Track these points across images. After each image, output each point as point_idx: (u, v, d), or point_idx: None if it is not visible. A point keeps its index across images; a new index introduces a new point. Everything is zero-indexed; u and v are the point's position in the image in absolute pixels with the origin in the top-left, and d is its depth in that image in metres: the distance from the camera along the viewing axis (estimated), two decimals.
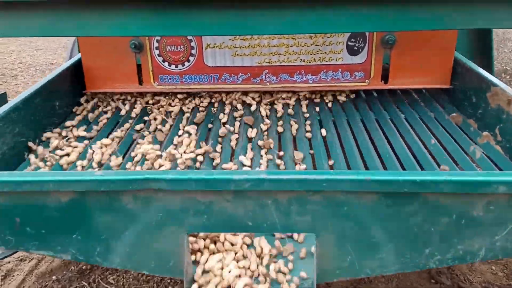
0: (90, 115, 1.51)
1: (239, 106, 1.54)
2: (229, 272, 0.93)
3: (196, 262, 0.96)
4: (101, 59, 1.57)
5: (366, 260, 0.92)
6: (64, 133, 1.38)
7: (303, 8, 0.85)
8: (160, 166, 1.20)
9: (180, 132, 1.38)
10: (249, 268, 0.94)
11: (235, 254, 0.97)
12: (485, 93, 1.36)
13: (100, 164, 1.22)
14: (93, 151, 1.25)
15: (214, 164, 1.22)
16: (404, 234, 0.89)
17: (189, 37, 1.54)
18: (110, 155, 1.25)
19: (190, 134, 1.35)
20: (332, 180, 0.85)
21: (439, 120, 1.42)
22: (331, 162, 1.22)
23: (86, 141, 1.35)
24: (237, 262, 0.95)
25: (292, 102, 1.58)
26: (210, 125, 1.44)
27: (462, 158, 1.21)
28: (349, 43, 1.53)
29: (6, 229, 0.92)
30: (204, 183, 0.86)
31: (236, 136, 1.35)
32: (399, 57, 1.53)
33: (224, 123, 1.44)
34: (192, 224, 0.91)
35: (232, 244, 0.99)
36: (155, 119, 1.48)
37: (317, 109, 1.53)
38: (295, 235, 1.01)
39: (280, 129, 1.40)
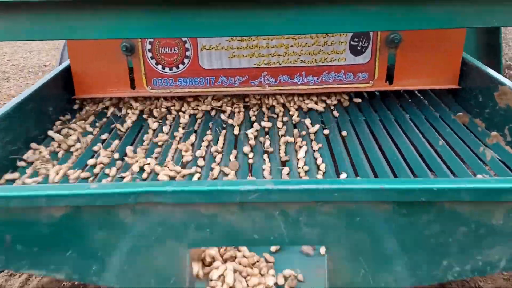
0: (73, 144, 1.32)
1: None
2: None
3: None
4: (91, 63, 1.50)
5: (380, 273, 0.87)
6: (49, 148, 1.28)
7: (305, 7, 0.81)
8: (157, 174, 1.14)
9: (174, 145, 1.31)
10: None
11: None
12: (492, 92, 1.32)
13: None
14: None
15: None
16: (420, 245, 0.85)
17: (184, 39, 1.48)
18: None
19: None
20: (344, 190, 0.80)
21: (445, 120, 1.38)
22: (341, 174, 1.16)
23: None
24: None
25: (293, 104, 1.53)
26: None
27: (473, 160, 1.17)
28: (352, 42, 1.47)
29: None
30: (208, 195, 0.81)
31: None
32: (405, 57, 1.47)
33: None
34: (195, 238, 0.85)
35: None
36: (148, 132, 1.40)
37: (320, 111, 1.49)
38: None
39: (281, 132, 1.36)
